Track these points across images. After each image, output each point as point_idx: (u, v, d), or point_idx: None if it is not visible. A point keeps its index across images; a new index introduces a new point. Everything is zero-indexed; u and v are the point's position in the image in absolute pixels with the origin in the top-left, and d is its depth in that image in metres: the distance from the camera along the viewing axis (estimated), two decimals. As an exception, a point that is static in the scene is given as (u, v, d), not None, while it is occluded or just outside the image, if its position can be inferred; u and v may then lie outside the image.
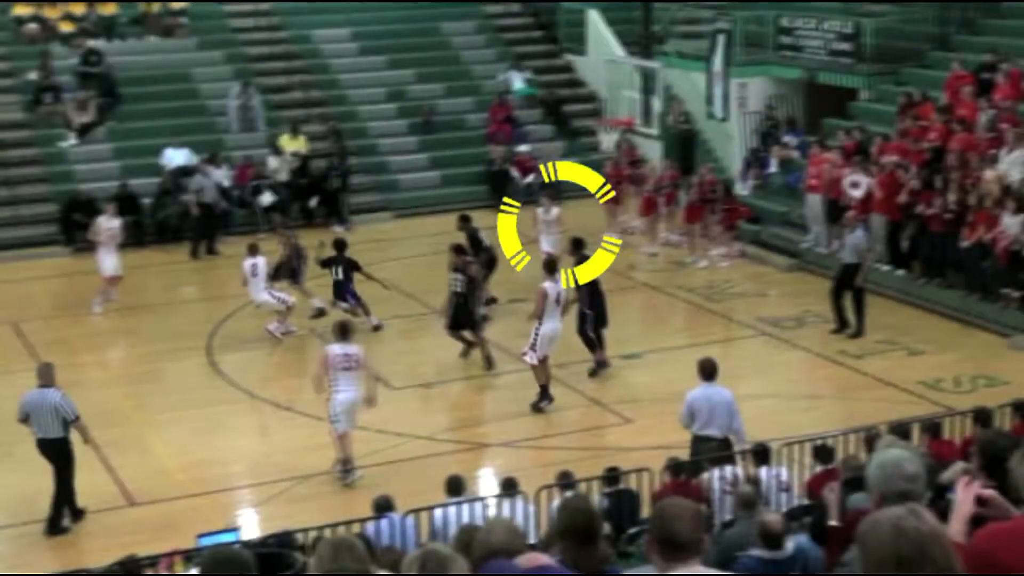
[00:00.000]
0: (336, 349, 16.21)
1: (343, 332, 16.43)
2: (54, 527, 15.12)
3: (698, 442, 14.62)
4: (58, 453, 15.19)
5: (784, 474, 13.54)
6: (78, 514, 15.36)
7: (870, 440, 13.05)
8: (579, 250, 19.73)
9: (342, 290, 21.70)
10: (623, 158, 28.29)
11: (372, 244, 24.61)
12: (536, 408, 18.18)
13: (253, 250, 21.74)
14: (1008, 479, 5.14)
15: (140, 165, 28.73)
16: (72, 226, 26.99)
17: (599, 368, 19.55)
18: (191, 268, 26.45)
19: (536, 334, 18.08)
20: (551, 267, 18.76)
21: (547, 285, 18.19)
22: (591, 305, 19.36)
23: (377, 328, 21.69)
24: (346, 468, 16.16)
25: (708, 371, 14.87)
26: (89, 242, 24.43)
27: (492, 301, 22.69)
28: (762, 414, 16.70)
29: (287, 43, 32.73)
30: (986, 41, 26.44)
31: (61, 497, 15.19)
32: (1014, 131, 22.25)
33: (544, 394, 18.25)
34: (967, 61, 25.50)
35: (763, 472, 13.39)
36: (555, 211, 23.68)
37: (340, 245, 22.05)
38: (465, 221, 22.86)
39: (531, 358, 18.14)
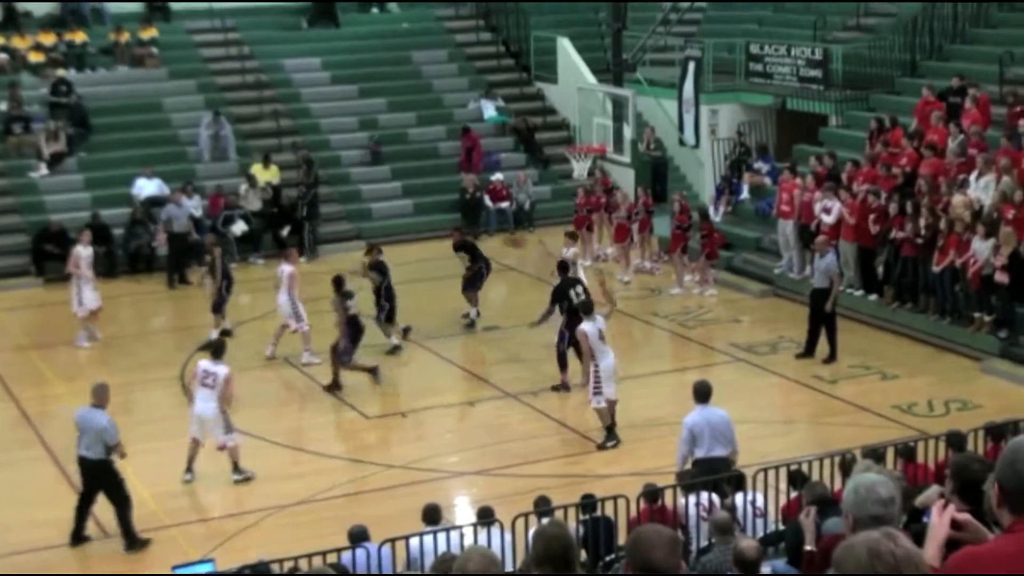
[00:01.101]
0: (202, 364, 16.91)
1: (214, 350, 17.12)
2: (130, 541, 15.23)
3: (707, 463, 14.52)
4: (99, 474, 15.19)
5: (760, 500, 13.56)
6: (79, 539, 15.39)
7: (845, 465, 13.09)
8: (564, 273, 20.44)
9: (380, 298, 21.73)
10: (598, 186, 28.36)
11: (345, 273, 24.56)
12: (601, 447, 17.86)
13: (287, 257, 22.32)
14: (982, 503, 5.16)
15: (111, 195, 28.65)
16: (43, 257, 26.91)
17: (561, 388, 20.07)
18: (164, 298, 26.35)
19: (596, 377, 17.72)
20: (587, 309, 18.30)
21: (586, 327, 17.89)
22: (568, 324, 19.68)
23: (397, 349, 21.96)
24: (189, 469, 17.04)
25: (703, 393, 14.91)
26: (61, 273, 24.31)
27: (467, 316, 23.16)
28: (737, 440, 16.69)
29: (258, 72, 32.71)
30: (953, 67, 26.64)
31: (124, 512, 15.21)
32: (983, 156, 22.40)
33: (610, 434, 17.89)
34: (935, 87, 25.69)
35: (738, 498, 13.41)
36: (573, 250, 22.98)
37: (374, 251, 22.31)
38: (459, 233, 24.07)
39: (596, 402, 17.82)
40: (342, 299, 19.97)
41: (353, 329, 20.04)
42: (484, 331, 23.08)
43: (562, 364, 20.05)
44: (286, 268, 21.65)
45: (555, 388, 20.05)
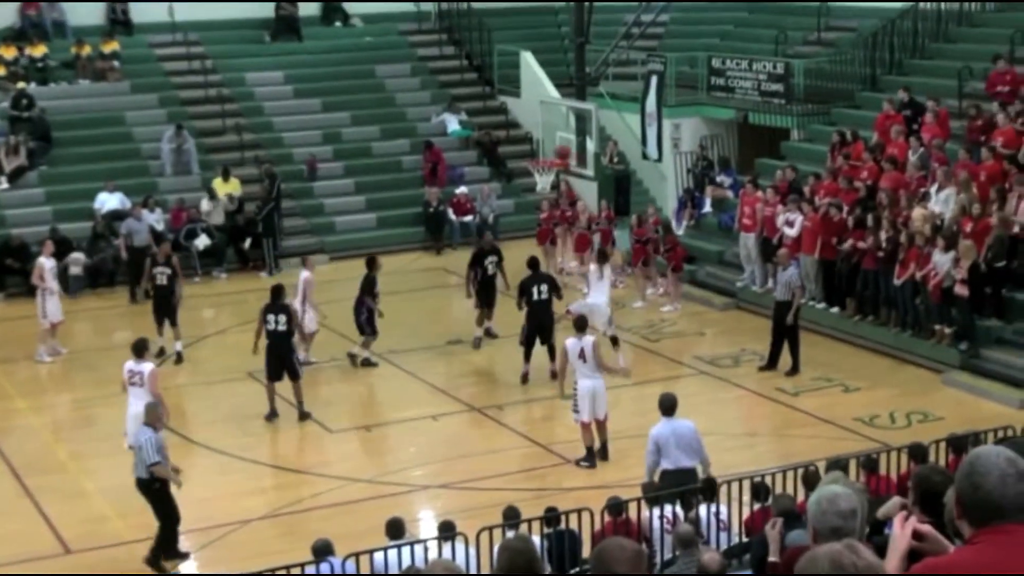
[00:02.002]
0: (127, 365, 16.96)
1: (136, 350, 17.09)
2: (165, 553, 15.05)
3: (674, 475, 14.55)
4: (144, 492, 15.05)
5: (723, 512, 13.60)
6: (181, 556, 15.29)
7: (808, 477, 13.16)
8: (533, 269, 21.22)
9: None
10: (563, 199, 28.43)
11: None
12: (576, 464, 17.72)
13: (304, 263, 22.56)
14: (944, 514, 5.20)
15: (73, 209, 28.51)
16: (4, 271, 26.73)
17: (522, 379, 20.83)
18: (125, 313, 26.18)
19: (574, 392, 17.73)
20: (580, 324, 18.16)
21: (567, 343, 17.88)
22: (527, 318, 20.74)
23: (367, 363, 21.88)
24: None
25: (668, 406, 14.99)
26: (22, 287, 24.14)
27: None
28: (707, 451, 16.74)
29: (220, 86, 32.62)
30: (913, 82, 26.84)
31: (165, 529, 15.03)
32: (943, 170, 22.57)
33: (588, 454, 17.70)
34: (895, 101, 25.88)
35: (702, 510, 13.44)
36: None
37: (372, 263, 22.20)
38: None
39: (575, 417, 17.77)
40: (264, 312, 19.37)
41: (270, 344, 19.39)
42: (448, 344, 23.08)
43: (525, 356, 20.74)
44: (303, 273, 21.79)
45: (522, 380, 20.77)
